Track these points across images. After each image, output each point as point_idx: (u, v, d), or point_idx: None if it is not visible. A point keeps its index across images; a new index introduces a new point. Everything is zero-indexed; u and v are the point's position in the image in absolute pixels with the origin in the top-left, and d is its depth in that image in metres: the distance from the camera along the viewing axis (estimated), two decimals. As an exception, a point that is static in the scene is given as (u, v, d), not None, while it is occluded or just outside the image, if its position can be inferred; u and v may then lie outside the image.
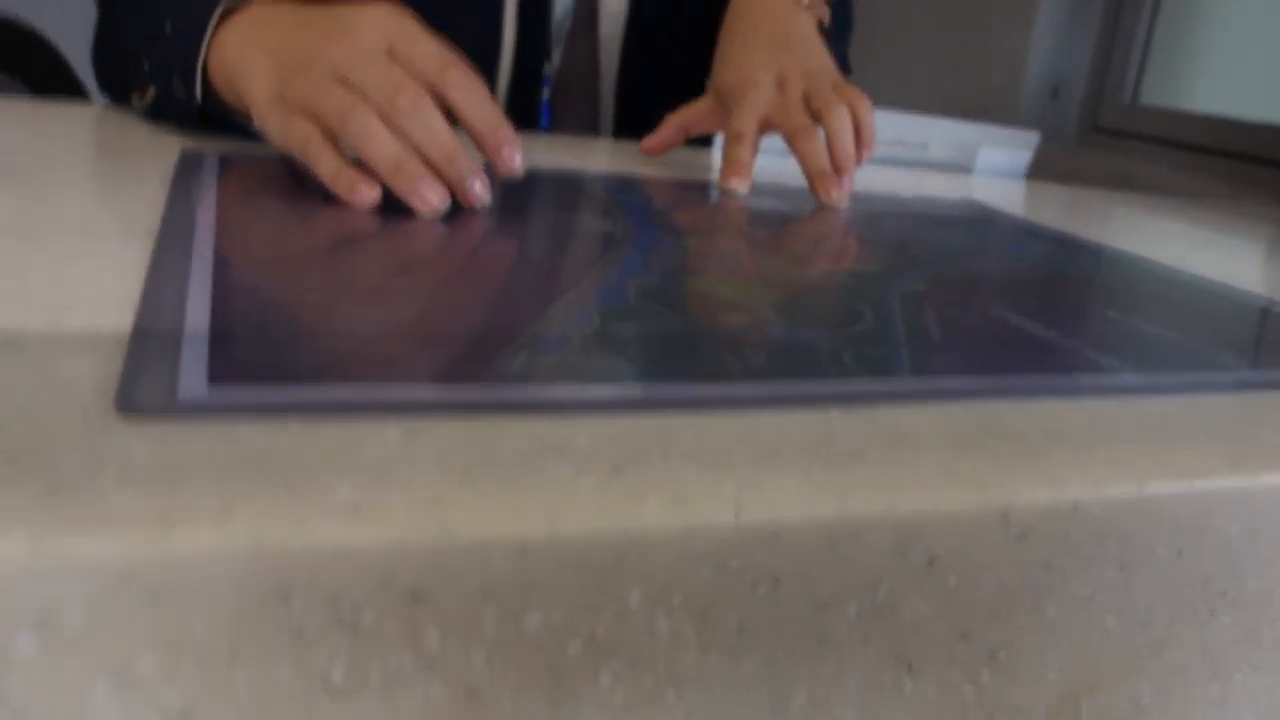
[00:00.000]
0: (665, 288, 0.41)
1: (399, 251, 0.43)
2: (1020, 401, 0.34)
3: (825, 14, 0.83)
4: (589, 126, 0.97)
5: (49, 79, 1.45)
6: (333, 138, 0.51)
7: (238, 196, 0.49)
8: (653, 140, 0.78)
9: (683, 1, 0.98)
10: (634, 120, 0.97)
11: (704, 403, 0.30)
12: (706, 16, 0.98)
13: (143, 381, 0.26)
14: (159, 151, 0.60)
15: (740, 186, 0.68)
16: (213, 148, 0.61)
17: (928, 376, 0.35)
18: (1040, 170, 1.07)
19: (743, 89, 0.73)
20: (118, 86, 0.76)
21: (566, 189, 0.63)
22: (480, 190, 0.50)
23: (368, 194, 0.49)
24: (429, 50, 0.52)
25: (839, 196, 0.67)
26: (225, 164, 0.56)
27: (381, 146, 0.49)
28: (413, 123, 0.49)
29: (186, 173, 0.53)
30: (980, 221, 0.70)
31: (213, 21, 0.60)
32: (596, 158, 0.82)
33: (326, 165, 0.50)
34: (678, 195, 0.64)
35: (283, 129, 0.53)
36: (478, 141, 0.52)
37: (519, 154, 0.52)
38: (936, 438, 0.30)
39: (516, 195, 0.59)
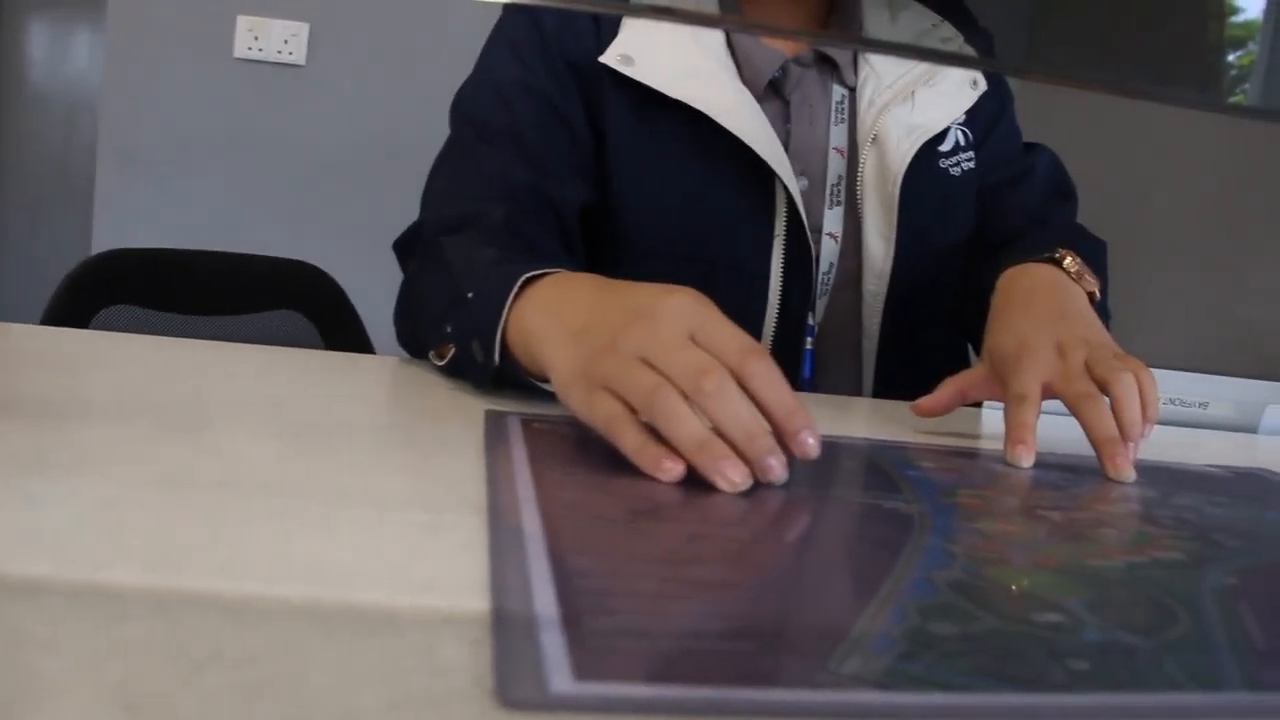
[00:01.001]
0: (973, 581, 0.41)
1: (706, 531, 0.45)
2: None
3: (1096, 288, 0.83)
4: (851, 378, 1.00)
5: (331, 311, 1.59)
6: (634, 414, 0.54)
7: (547, 463, 0.53)
8: (928, 403, 0.78)
9: (944, 266, 1.02)
10: (894, 376, 0.99)
11: (1040, 715, 0.30)
12: (965, 285, 1.02)
13: (515, 674, 0.28)
14: (461, 411, 0.65)
15: (1026, 453, 0.67)
16: (511, 408, 0.66)
17: (1263, 693, 0.34)
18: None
19: (1021, 354, 0.73)
20: (417, 345, 0.83)
21: (852, 460, 0.65)
22: (779, 469, 0.52)
23: (672, 470, 0.52)
24: (731, 338, 0.55)
25: (1128, 471, 0.65)
26: (527, 427, 0.61)
27: (686, 426, 0.52)
28: (716, 404, 0.52)
29: (495, 437, 0.58)
30: (1275, 496, 0.68)
31: (512, 294, 0.66)
32: (859, 418, 0.84)
33: (631, 441, 0.53)
34: (958, 466, 0.65)
35: (587, 402, 0.56)
36: (775, 426, 0.54)
37: (814, 439, 0.54)
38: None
39: (810, 465, 0.61)
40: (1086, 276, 0.84)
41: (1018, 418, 0.69)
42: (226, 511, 0.41)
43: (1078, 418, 0.68)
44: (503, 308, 0.66)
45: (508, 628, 0.31)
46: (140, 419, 0.55)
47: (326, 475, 0.48)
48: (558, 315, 0.63)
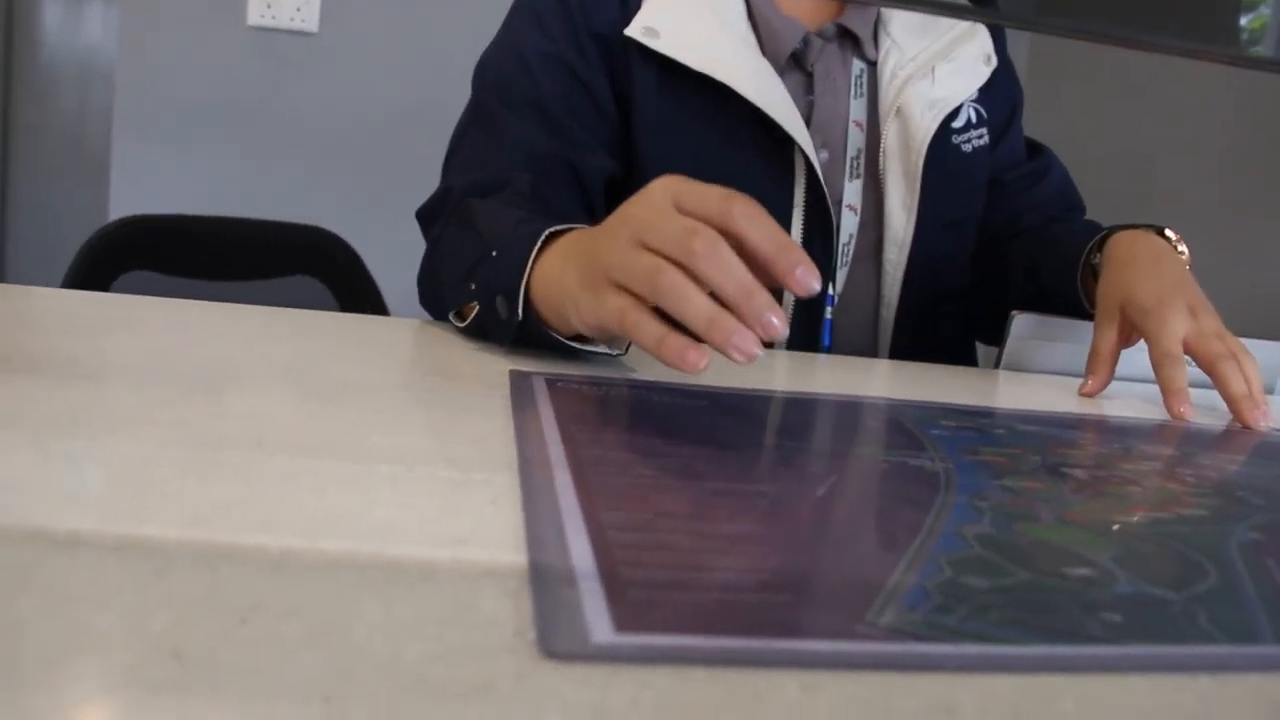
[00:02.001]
0: (1002, 536, 0.41)
1: (735, 488, 0.45)
2: None
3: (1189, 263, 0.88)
4: (868, 347, 1.00)
5: (347, 277, 1.60)
6: (646, 305, 0.55)
7: (574, 421, 0.53)
8: (1094, 385, 0.83)
9: (959, 239, 1.03)
10: (909, 345, 1.00)
11: (1075, 666, 0.30)
12: (986, 246, 1.04)
13: (555, 625, 0.29)
14: (484, 371, 0.66)
15: (1191, 410, 0.75)
16: (535, 368, 0.66)
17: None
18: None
19: (1163, 310, 0.78)
20: (439, 306, 0.83)
21: (875, 419, 0.65)
22: (779, 324, 0.51)
23: (698, 361, 0.51)
24: (709, 192, 0.55)
25: (1265, 422, 0.74)
26: (552, 386, 0.61)
27: (694, 304, 0.52)
28: (707, 264, 0.52)
29: (521, 396, 0.58)
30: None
31: (535, 249, 0.66)
32: (880, 379, 0.84)
33: (649, 334, 0.53)
34: (979, 425, 0.65)
35: (596, 303, 0.57)
36: (770, 266, 0.53)
37: (814, 274, 0.52)
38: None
39: (833, 424, 0.61)
40: (1186, 255, 0.89)
41: (1176, 382, 0.76)
42: (260, 468, 0.41)
43: (1213, 375, 0.76)
44: (526, 263, 0.66)
45: (546, 581, 0.32)
46: (169, 380, 0.55)
47: (355, 434, 0.48)
48: (572, 257, 0.63)
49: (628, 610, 0.30)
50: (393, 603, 0.30)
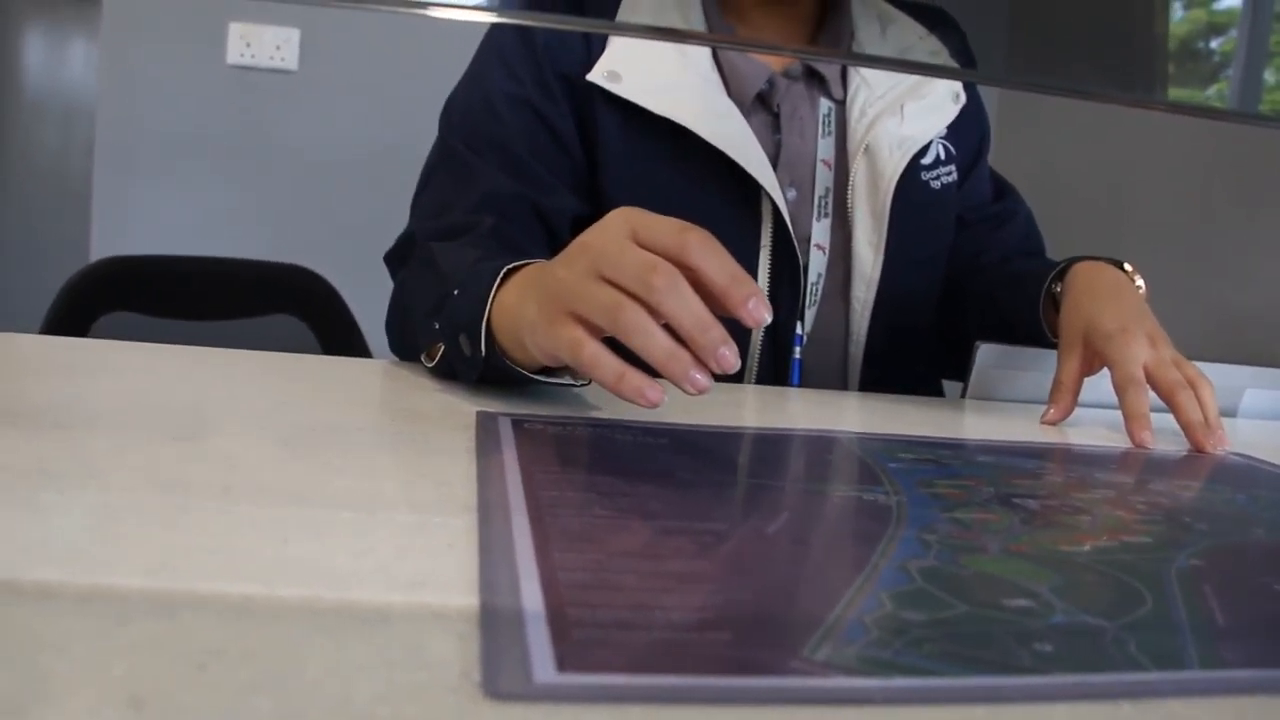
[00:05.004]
0: (946, 569, 0.43)
1: (688, 526, 0.47)
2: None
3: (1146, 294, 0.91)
4: (837, 384, 1.02)
5: (327, 315, 1.61)
6: (599, 336, 0.57)
7: (536, 462, 0.54)
8: (1056, 414, 0.85)
9: (927, 275, 1.05)
10: (878, 381, 1.02)
11: (1001, 696, 0.31)
12: (948, 285, 1.06)
13: (500, 666, 0.30)
14: (452, 413, 0.67)
15: (1151, 437, 0.77)
16: (502, 408, 0.67)
17: (1217, 670, 0.35)
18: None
19: (1126, 338, 0.81)
20: (409, 348, 0.85)
21: (835, 453, 0.66)
22: (731, 357, 0.53)
23: (656, 398, 0.54)
24: (665, 225, 0.57)
25: (1222, 445, 0.77)
26: (518, 427, 0.62)
27: (656, 340, 0.54)
28: (667, 300, 0.54)
29: (486, 438, 0.59)
30: (1248, 478, 0.69)
31: (495, 284, 0.68)
32: (848, 412, 0.85)
33: (607, 371, 0.56)
34: (939, 458, 0.66)
35: (551, 335, 0.59)
36: (723, 298, 0.55)
37: (765, 306, 0.55)
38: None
39: (793, 460, 0.63)
40: (1143, 287, 0.91)
41: (1139, 407, 0.79)
42: (226, 516, 0.43)
43: (1170, 403, 0.79)
44: (486, 299, 0.68)
45: (494, 622, 0.33)
46: (141, 426, 0.57)
47: (322, 479, 0.50)
48: (530, 287, 0.65)
49: (571, 650, 0.31)
50: (346, 647, 0.31)
